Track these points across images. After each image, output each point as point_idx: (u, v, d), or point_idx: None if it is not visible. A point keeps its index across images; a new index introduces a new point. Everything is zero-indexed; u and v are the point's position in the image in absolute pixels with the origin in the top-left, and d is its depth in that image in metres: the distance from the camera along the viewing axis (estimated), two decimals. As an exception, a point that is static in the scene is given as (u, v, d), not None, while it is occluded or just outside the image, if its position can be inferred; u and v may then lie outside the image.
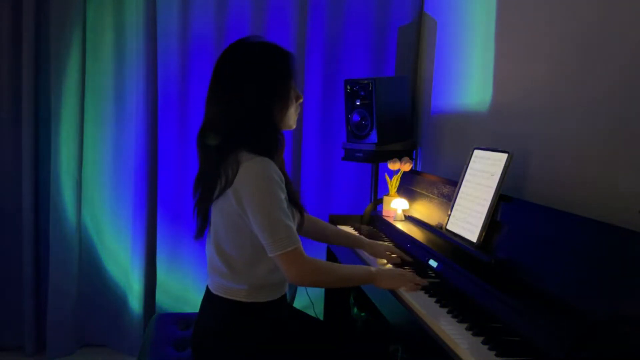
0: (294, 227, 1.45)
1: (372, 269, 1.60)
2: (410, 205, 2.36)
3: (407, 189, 2.45)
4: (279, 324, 1.56)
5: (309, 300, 2.74)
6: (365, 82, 2.55)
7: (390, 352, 2.04)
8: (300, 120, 1.72)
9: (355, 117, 2.63)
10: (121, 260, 2.87)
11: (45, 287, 2.77)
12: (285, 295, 1.60)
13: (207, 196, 1.48)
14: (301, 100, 1.57)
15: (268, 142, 1.46)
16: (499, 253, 1.59)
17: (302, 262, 1.43)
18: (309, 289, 2.76)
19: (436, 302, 1.47)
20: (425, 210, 2.23)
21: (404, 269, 1.70)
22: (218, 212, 1.48)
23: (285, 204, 1.43)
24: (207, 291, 1.59)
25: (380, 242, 1.95)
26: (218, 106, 1.48)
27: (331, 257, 2.48)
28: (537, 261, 1.43)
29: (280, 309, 1.58)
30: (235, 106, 1.45)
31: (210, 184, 1.46)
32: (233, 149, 1.43)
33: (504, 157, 1.69)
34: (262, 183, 1.39)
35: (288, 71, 1.49)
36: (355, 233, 2.27)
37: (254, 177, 1.40)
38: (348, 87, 2.64)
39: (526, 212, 1.59)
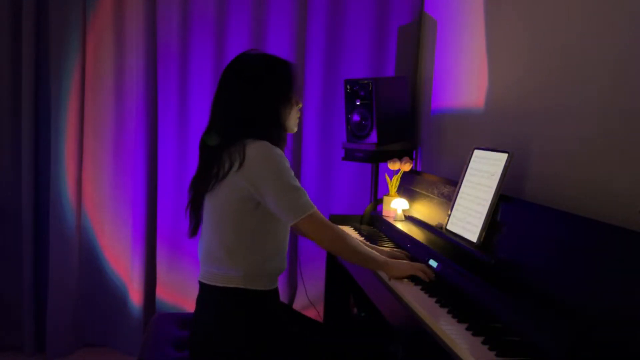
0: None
1: (389, 260, 1.69)
2: (410, 205, 2.36)
3: (407, 189, 2.45)
4: (273, 315, 1.59)
5: (308, 302, 2.74)
6: (365, 82, 2.55)
7: (390, 352, 2.03)
8: (300, 120, 1.76)
9: (355, 117, 2.63)
10: (121, 260, 2.87)
11: (45, 287, 2.77)
12: (277, 288, 1.64)
13: (202, 189, 1.57)
14: (300, 106, 1.69)
15: (272, 137, 1.57)
16: (499, 253, 1.59)
17: (323, 225, 1.55)
18: (309, 292, 2.76)
19: (436, 302, 1.47)
20: (425, 210, 2.23)
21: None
22: (216, 200, 1.55)
23: (293, 173, 1.54)
24: (201, 287, 1.61)
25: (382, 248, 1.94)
26: (226, 108, 1.59)
27: (333, 261, 2.48)
28: (538, 261, 1.43)
29: (274, 299, 1.63)
30: (243, 106, 1.58)
31: (208, 174, 1.54)
32: (238, 138, 1.53)
33: (504, 157, 1.69)
34: (270, 158, 1.50)
35: (288, 77, 1.64)
36: (356, 233, 2.27)
37: (262, 155, 1.50)
38: (348, 87, 2.64)
39: (526, 212, 1.59)
